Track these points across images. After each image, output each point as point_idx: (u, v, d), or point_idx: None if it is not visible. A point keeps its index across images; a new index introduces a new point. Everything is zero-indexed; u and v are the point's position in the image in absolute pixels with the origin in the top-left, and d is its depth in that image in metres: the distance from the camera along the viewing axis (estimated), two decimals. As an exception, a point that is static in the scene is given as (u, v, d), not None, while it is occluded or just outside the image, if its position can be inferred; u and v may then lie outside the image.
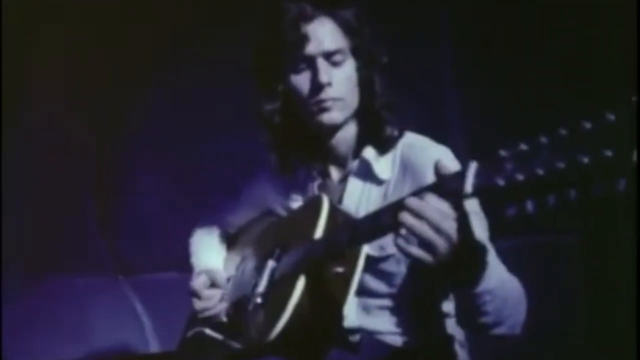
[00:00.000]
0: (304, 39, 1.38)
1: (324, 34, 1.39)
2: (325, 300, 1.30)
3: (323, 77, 1.37)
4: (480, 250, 1.02)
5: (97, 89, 2.57)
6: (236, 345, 1.46)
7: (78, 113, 2.61)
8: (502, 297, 1.09)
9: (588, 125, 0.80)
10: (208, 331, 1.55)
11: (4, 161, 2.52)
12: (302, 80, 1.41)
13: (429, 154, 1.38)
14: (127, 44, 2.53)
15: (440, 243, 0.97)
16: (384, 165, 1.44)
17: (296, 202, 1.54)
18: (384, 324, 1.41)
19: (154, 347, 2.66)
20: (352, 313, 1.38)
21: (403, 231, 0.99)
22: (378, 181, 1.44)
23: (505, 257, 1.21)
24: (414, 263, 1.07)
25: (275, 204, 1.59)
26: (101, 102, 2.61)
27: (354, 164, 1.48)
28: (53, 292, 2.63)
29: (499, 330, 1.13)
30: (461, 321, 1.19)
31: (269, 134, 1.49)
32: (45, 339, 2.55)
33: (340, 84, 1.40)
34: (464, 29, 2.22)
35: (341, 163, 1.50)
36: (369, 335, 1.40)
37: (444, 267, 0.98)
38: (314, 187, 1.51)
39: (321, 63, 1.39)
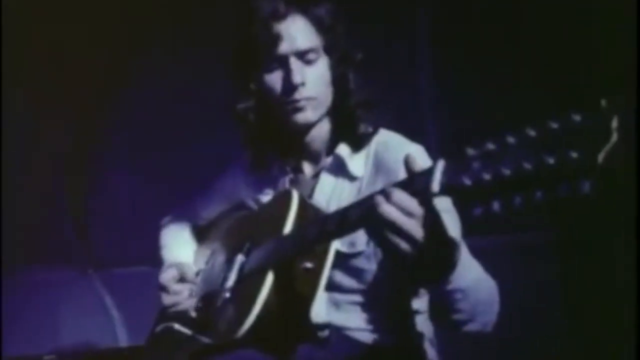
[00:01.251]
0: (277, 38, 1.37)
1: (296, 33, 1.38)
2: (294, 295, 1.29)
3: (296, 77, 1.37)
4: (451, 248, 1.02)
5: (74, 85, 2.56)
6: (205, 340, 1.44)
7: (54, 108, 2.59)
8: (475, 295, 1.09)
9: (555, 125, 0.81)
10: (177, 326, 1.53)
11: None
12: (275, 80, 1.40)
13: (402, 151, 1.36)
14: (105, 42, 2.53)
15: (401, 242, 0.96)
16: (357, 162, 1.44)
17: (268, 197, 1.53)
18: (353, 320, 1.41)
19: (123, 341, 2.64)
20: (322, 309, 1.38)
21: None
22: (351, 178, 1.44)
23: (479, 255, 1.21)
24: (385, 255, 1.06)
25: (247, 197, 1.58)
26: (78, 99, 2.61)
27: (327, 160, 1.47)
28: (21, 284, 2.59)
29: (470, 328, 1.14)
30: (433, 317, 1.19)
31: (243, 130, 1.49)
32: (13, 332, 2.52)
33: (314, 82, 1.39)
34: (440, 27, 2.23)
35: (315, 159, 1.50)
36: (338, 331, 1.40)
37: (411, 264, 0.98)
38: (286, 182, 1.50)
39: (294, 62, 1.38)
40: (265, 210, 1.49)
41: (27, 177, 2.60)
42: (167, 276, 1.55)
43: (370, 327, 1.41)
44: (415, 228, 0.95)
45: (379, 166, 1.41)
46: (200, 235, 1.72)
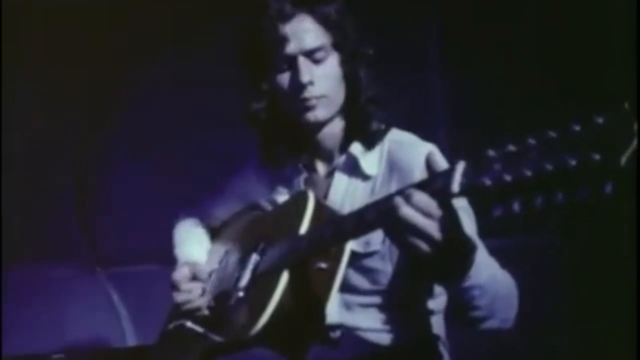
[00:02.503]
0: (284, 38, 1.37)
1: (303, 32, 1.38)
2: (308, 296, 1.29)
3: (304, 77, 1.37)
4: (468, 247, 1.01)
5: (80, 82, 2.56)
6: (217, 338, 1.44)
7: (60, 105, 2.58)
8: (493, 292, 1.08)
9: (577, 127, 0.81)
10: (189, 324, 1.53)
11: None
12: (285, 80, 1.41)
13: (416, 151, 1.38)
14: (112, 39, 2.53)
15: (420, 242, 0.96)
16: (370, 161, 1.44)
17: (282, 196, 1.53)
18: (365, 321, 1.41)
19: (131, 339, 2.64)
20: (334, 309, 1.38)
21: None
22: (364, 177, 1.44)
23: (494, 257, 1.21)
24: (402, 254, 1.05)
25: (261, 197, 1.58)
26: (85, 96, 2.60)
27: (340, 159, 1.47)
28: (28, 283, 2.59)
29: (489, 325, 1.13)
30: (451, 315, 1.19)
31: (255, 130, 1.49)
32: (20, 331, 2.52)
33: (323, 81, 1.39)
34: (453, 25, 2.23)
35: (328, 158, 1.50)
36: (350, 332, 1.40)
37: (429, 263, 0.98)
38: (300, 181, 1.50)
39: (302, 62, 1.38)
40: (280, 211, 1.49)
41: (32, 175, 2.60)
42: (179, 274, 1.55)
43: (383, 327, 1.41)
44: (434, 229, 0.95)
45: (392, 165, 1.41)
46: (214, 234, 1.72)
